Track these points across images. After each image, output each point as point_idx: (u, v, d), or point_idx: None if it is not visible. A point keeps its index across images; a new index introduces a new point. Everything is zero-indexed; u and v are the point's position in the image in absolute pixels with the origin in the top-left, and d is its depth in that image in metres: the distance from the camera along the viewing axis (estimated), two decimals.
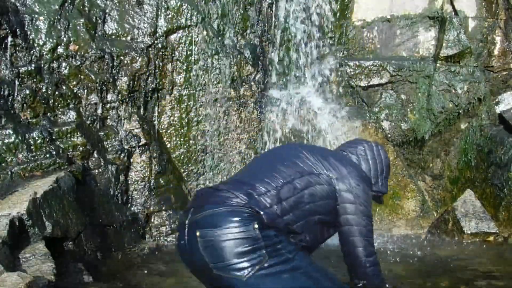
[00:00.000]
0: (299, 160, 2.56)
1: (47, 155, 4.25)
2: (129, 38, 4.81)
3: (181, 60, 4.93)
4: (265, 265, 2.24)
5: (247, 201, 2.29)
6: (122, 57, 4.73)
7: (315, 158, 2.60)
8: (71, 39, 4.58)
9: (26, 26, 4.45)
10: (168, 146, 4.98)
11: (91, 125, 4.62)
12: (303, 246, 2.48)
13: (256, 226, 2.25)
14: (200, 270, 2.34)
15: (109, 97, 4.70)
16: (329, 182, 2.54)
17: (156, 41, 4.84)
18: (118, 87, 4.72)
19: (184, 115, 4.98)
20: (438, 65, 5.47)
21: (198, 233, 2.25)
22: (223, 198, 2.31)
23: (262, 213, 2.28)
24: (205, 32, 4.93)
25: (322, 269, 2.48)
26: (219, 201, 2.31)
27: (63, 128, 4.44)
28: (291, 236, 2.42)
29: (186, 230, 2.32)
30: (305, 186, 2.48)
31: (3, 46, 4.29)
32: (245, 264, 2.23)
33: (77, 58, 4.59)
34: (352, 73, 5.44)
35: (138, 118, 4.79)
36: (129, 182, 4.73)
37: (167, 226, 4.75)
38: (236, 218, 2.24)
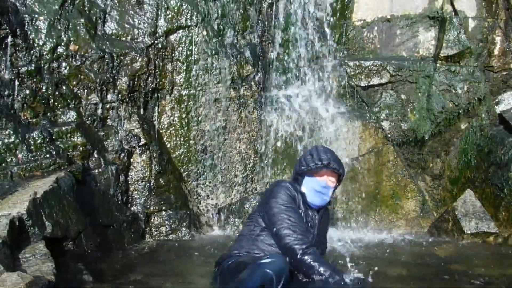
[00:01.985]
0: (250, 224, 3.57)
1: (47, 155, 4.25)
2: (129, 38, 4.81)
3: (181, 60, 4.93)
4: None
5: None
6: (122, 57, 4.73)
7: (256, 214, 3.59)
8: (71, 39, 4.58)
9: (26, 26, 4.45)
10: (168, 146, 4.98)
11: (91, 125, 4.62)
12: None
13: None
14: None
15: (109, 97, 4.70)
16: (259, 222, 3.47)
17: (156, 41, 4.84)
18: (118, 87, 4.72)
19: (184, 115, 4.98)
20: (438, 65, 5.47)
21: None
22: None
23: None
24: (205, 32, 4.94)
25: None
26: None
27: (63, 128, 4.44)
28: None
29: None
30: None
31: (3, 46, 4.29)
32: None
33: (77, 58, 4.59)
34: (352, 73, 5.44)
35: (138, 118, 4.80)
36: (129, 182, 4.74)
37: (167, 226, 4.76)
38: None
